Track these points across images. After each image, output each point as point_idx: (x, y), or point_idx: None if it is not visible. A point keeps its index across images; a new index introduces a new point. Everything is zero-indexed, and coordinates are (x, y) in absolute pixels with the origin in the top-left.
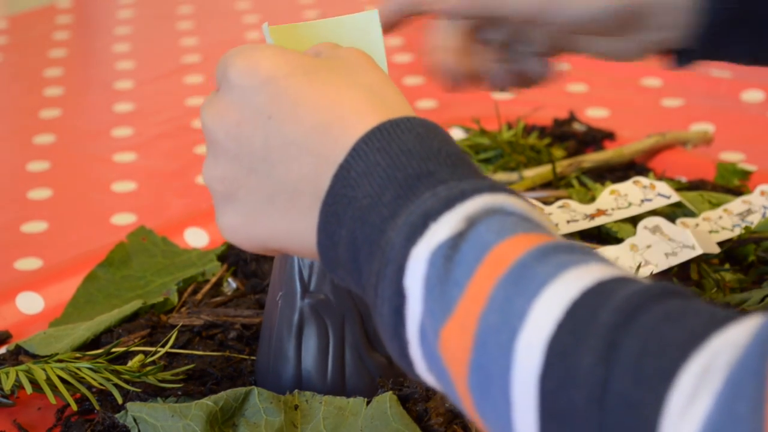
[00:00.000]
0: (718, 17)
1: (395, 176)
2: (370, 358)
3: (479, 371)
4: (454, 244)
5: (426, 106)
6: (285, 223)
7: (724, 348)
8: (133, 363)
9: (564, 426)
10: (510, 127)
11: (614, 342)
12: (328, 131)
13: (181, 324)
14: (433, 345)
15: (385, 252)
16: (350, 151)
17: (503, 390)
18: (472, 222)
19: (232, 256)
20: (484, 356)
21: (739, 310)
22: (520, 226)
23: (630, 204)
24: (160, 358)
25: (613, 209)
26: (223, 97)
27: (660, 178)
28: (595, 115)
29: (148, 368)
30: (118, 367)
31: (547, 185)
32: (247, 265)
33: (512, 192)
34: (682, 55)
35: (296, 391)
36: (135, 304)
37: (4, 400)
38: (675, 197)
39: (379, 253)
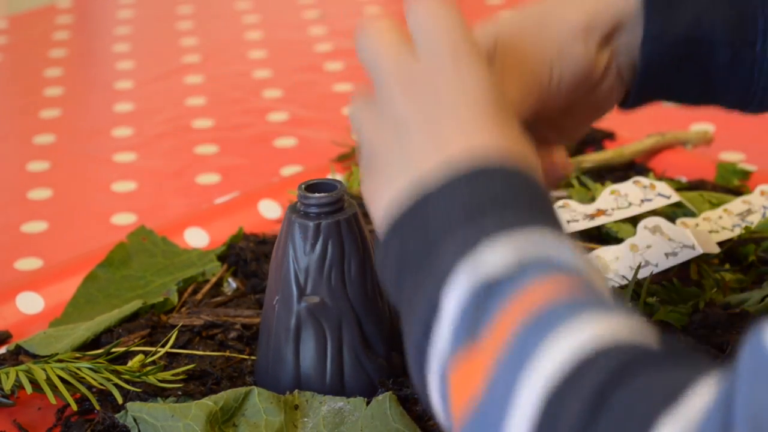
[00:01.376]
0: (658, 58)
1: (470, 207)
2: (369, 360)
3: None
4: (497, 282)
5: None
6: (381, 190)
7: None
8: (133, 363)
9: None
10: None
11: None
12: (458, 128)
13: (181, 324)
14: (446, 369)
15: (435, 261)
16: (441, 176)
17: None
18: (525, 264)
19: (232, 256)
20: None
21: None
22: (563, 271)
23: (630, 204)
24: (160, 358)
25: (613, 209)
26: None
27: (660, 178)
28: None
29: (148, 368)
30: (118, 367)
31: None
32: (247, 265)
33: (574, 243)
34: (629, 95)
35: (296, 391)
36: (135, 304)
37: (4, 400)
38: (675, 197)
39: (427, 262)
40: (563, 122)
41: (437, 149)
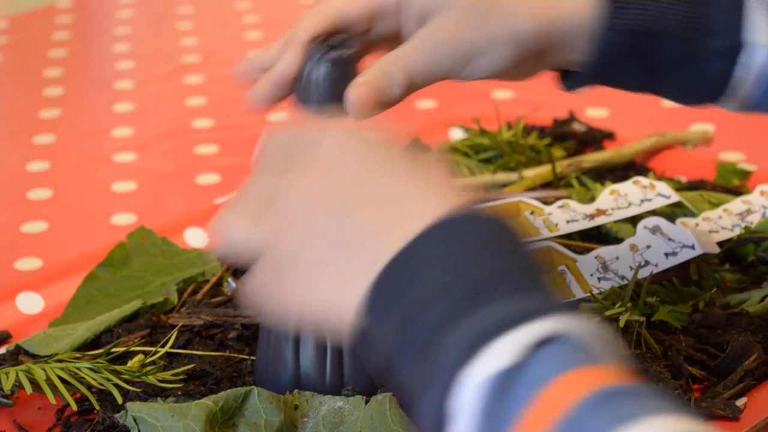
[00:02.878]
0: (611, 47)
1: (455, 283)
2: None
3: None
4: (507, 378)
5: (426, 106)
6: (337, 284)
7: None
8: (133, 363)
9: None
10: (510, 127)
11: None
12: (413, 191)
13: (181, 324)
14: None
15: (431, 367)
16: (420, 234)
17: None
18: (528, 353)
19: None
20: None
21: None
22: (579, 357)
23: (630, 204)
24: (160, 358)
25: (613, 209)
26: (305, 165)
27: (660, 178)
28: (595, 115)
29: (148, 368)
30: (118, 367)
31: (547, 185)
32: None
33: (575, 314)
34: (572, 78)
35: (296, 390)
36: (135, 304)
37: (4, 400)
38: (675, 197)
39: (424, 363)
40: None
41: (394, 224)
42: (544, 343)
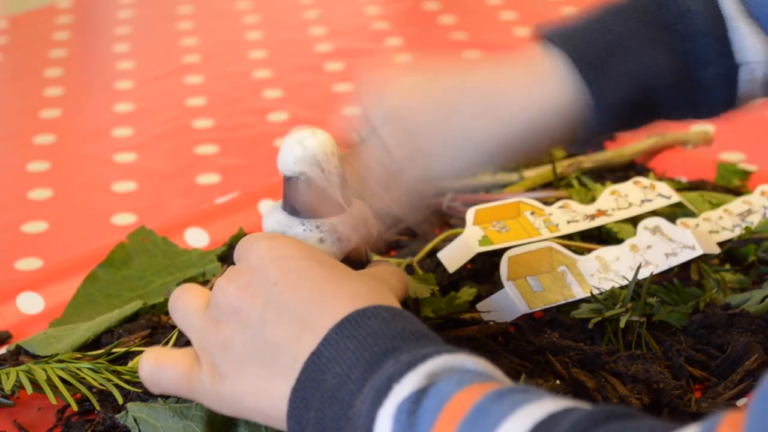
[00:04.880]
0: (605, 122)
1: (363, 356)
2: None
3: None
4: (416, 399)
5: None
6: (264, 380)
7: None
8: (134, 363)
9: None
10: None
11: None
12: (316, 307)
13: None
14: None
15: (353, 421)
16: (322, 340)
17: None
18: (433, 379)
19: (232, 257)
20: None
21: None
22: (477, 378)
23: (630, 204)
24: None
25: (613, 210)
26: (239, 267)
27: (660, 178)
28: None
29: None
30: (118, 368)
31: (547, 185)
32: None
33: (471, 353)
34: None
35: None
36: (135, 305)
37: (5, 401)
38: (675, 197)
39: (347, 425)
40: None
41: (303, 329)
42: (445, 373)
